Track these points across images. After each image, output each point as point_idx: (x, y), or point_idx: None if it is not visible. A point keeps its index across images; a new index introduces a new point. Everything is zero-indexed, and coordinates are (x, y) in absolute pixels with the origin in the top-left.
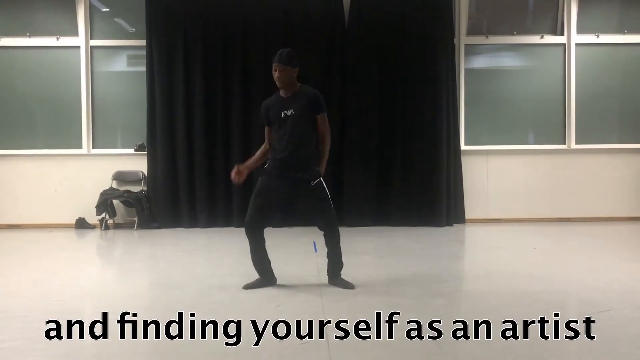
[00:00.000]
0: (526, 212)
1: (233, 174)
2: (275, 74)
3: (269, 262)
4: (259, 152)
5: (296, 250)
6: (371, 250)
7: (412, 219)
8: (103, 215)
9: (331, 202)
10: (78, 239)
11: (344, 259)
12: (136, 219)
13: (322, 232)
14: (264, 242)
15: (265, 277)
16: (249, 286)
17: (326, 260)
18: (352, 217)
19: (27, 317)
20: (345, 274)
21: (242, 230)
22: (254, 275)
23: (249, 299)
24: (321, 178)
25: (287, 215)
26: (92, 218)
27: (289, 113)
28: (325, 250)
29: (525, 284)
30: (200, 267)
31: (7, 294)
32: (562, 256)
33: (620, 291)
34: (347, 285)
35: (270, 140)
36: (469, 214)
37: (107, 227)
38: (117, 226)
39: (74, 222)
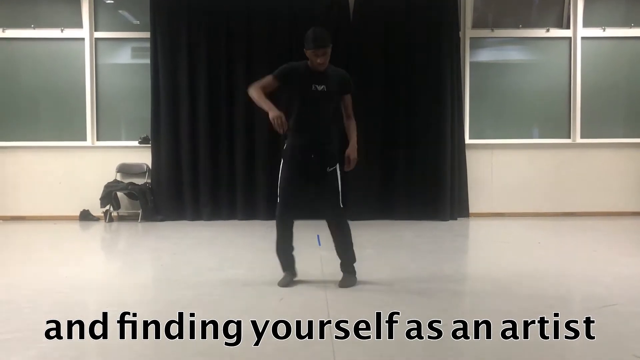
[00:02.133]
0: (530, 206)
1: (281, 124)
2: (320, 60)
3: (293, 255)
4: (263, 96)
5: (299, 244)
6: (375, 244)
7: (416, 213)
8: (107, 207)
9: (340, 193)
10: (82, 231)
11: None
12: (140, 211)
13: (328, 224)
14: (292, 234)
15: (292, 270)
16: (283, 283)
17: (336, 256)
18: (355, 210)
19: (32, 308)
20: None
21: (246, 223)
22: (257, 268)
23: (253, 292)
24: (337, 166)
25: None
26: (96, 210)
27: (320, 88)
28: (333, 245)
29: (529, 278)
30: (203, 260)
31: (12, 285)
32: (566, 251)
33: (625, 286)
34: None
35: (266, 91)
36: (473, 208)
37: (111, 220)
38: (121, 218)
39: (78, 214)
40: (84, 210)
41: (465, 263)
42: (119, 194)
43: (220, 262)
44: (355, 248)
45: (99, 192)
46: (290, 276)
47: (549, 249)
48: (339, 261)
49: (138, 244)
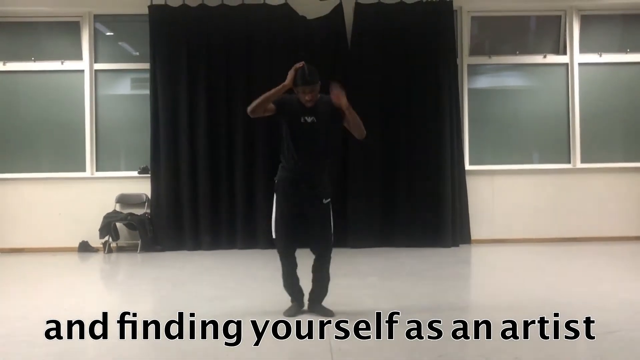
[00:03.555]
0: (532, 232)
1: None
2: (307, 97)
3: (299, 285)
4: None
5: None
6: (377, 272)
7: (417, 240)
8: (106, 238)
9: (332, 228)
10: (81, 263)
11: (344, 282)
12: (139, 241)
13: (315, 256)
14: (297, 265)
15: (299, 300)
16: (290, 314)
17: (311, 284)
18: (356, 238)
19: (31, 341)
20: (351, 295)
21: (246, 252)
22: (257, 297)
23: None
24: (330, 200)
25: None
26: (96, 241)
27: (309, 120)
28: (312, 274)
29: (532, 304)
30: (204, 289)
31: (11, 318)
32: (568, 276)
33: (629, 311)
34: (327, 313)
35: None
36: (474, 234)
37: (110, 250)
38: (120, 249)
39: (77, 245)
40: (83, 242)
41: (468, 291)
42: (118, 224)
43: (221, 292)
44: (355, 276)
45: (98, 223)
46: (297, 307)
47: (552, 274)
48: (311, 289)
49: (137, 275)
